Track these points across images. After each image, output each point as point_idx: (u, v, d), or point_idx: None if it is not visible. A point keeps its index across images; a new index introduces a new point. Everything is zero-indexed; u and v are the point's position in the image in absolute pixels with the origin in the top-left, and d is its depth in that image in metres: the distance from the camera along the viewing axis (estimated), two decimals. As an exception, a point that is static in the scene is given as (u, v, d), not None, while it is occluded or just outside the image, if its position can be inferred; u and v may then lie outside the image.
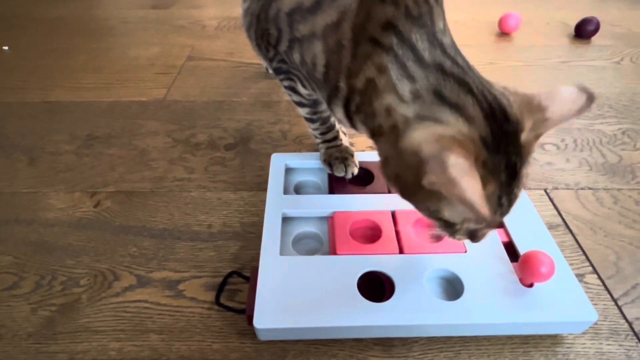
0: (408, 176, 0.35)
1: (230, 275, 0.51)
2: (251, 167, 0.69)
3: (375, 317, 0.42)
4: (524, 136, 0.34)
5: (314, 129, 0.60)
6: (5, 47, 1.08)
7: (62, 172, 0.68)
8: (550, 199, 0.63)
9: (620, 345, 0.45)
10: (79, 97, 0.88)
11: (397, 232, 0.51)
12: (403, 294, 0.44)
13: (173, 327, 0.46)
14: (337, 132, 0.61)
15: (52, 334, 0.46)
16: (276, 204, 0.54)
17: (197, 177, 0.67)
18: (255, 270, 0.47)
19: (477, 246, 0.48)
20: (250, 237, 0.57)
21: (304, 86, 0.51)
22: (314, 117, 0.58)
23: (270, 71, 0.59)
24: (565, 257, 0.50)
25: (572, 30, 1.15)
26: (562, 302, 0.44)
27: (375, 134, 0.40)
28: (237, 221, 0.59)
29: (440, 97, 0.35)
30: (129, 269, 0.53)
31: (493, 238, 0.50)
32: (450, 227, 0.39)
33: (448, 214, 0.37)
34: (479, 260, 0.48)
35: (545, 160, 0.71)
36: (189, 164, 0.70)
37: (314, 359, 0.43)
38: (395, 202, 0.53)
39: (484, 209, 0.29)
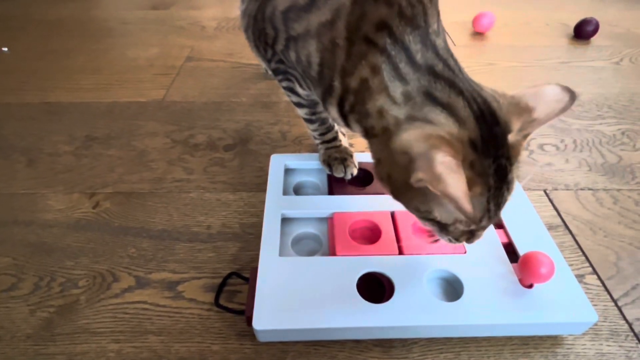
0: (399, 176, 0.36)
1: (229, 276, 0.51)
2: (250, 168, 0.69)
3: (374, 318, 0.42)
4: (512, 137, 0.35)
5: (313, 130, 0.60)
6: (5, 49, 1.08)
7: (60, 173, 0.68)
8: (550, 200, 0.63)
9: (620, 346, 0.45)
10: (78, 98, 0.88)
11: (396, 233, 0.51)
12: (403, 295, 0.44)
13: (172, 329, 0.46)
14: (336, 132, 0.61)
15: (51, 335, 0.46)
16: (275, 204, 0.54)
17: (196, 177, 0.67)
18: (254, 271, 0.47)
19: (476, 247, 0.48)
20: (249, 237, 0.57)
21: (302, 87, 0.51)
22: (313, 117, 0.58)
23: (270, 72, 0.59)
24: (565, 257, 0.50)
25: (571, 31, 1.15)
26: (562, 303, 0.44)
27: (368, 135, 0.41)
28: (236, 222, 0.59)
29: (431, 98, 0.35)
30: (127, 270, 0.53)
31: (493, 239, 0.50)
32: (443, 229, 0.39)
33: (439, 214, 0.37)
34: (479, 261, 0.48)
35: (545, 161, 0.71)
36: (188, 164, 0.70)
37: (314, 360, 0.43)
38: (394, 202, 0.53)
39: (467, 205, 0.30)
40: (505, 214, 0.52)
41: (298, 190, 0.62)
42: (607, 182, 0.66)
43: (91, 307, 0.48)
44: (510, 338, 0.45)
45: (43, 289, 0.50)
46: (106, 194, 0.64)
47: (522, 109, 0.35)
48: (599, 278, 0.52)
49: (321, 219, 0.55)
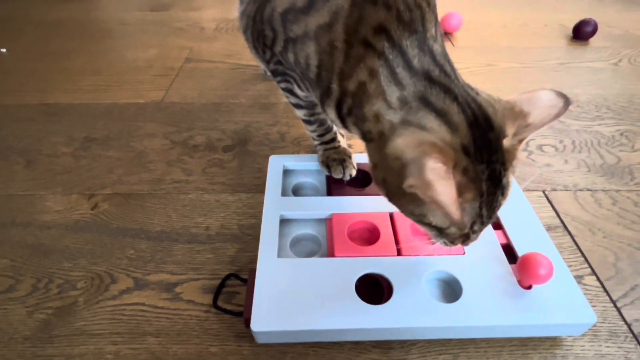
0: (393, 181, 0.36)
1: (227, 277, 0.51)
2: (249, 169, 0.69)
3: (373, 320, 0.42)
4: (507, 143, 0.35)
5: (312, 131, 0.60)
6: (3, 50, 1.08)
7: (59, 174, 0.68)
8: (549, 201, 0.63)
9: (619, 347, 0.45)
10: (76, 100, 0.88)
11: (395, 234, 0.51)
12: (401, 296, 0.44)
13: (170, 330, 0.46)
14: (335, 133, 0.61)
15: (49, 337, 0.46)
16: (274, 206, 0.54)
17: (195, 179, 0.67)
18: (252, 272, 0.47)
19: (475, 248, 0.48)
20: (248, 239, 0.57)
21: (300, 88, 0.51)
22: (312, 119, 0.57)
23: (268, 73, 0.59)
24: (564, 258, 0.50)
25: (570, 32, 1.15)
26: (561, 304, 0.43)
27: (366, 138, 0.41)
28: (235, 223, 0.59)
29: (426, 103, 0.36)
30: (126, 271, 0.52)
31: (491, 240, 0.50)
32: (438, 232, 0.39)
33: (433, 218, 0.37)
34: (477, 262, 0.47)
35: (544, 162, 0.71)
36: (186, 165, 0.70)
37: (312, 362, 0.43)
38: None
39: (455, 212, 0.31)
40: (504, 215, 0.53)
41: (297, 191, 0.62)
42: (605, 182, 0.66)
43: (89, 309, 0.48)
44: (509, 339, 0.45)
45: (41, 290, 0.50)
46: (105, 195, 0.64)
47: (517, 114, 0.36)
48: (598, 279, 0.52)
49: (320, 220, 0.55)
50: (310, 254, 0.52)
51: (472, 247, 0.48)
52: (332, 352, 0.44)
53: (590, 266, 0.53)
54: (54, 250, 0.55)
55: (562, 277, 0.46)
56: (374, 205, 0.54)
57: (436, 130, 0.34)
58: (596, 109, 0.84)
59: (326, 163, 0.60)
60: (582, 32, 1.11)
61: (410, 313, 0.43)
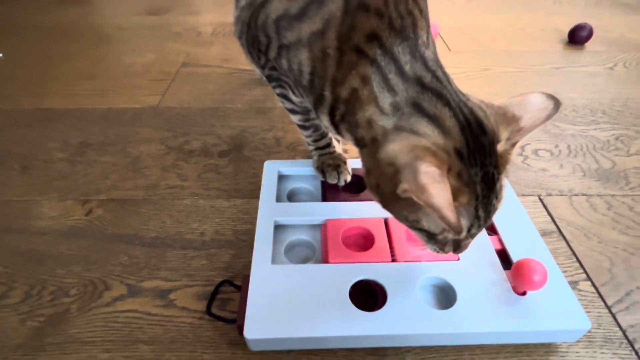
0: (386, 186, 0.36)
1: (221, 284, 0.51)
2: (245, 174, 0.69)
3: (367, 327, 0.42)
4: (501, 147, 0.36)
5: (307, 136, 0.60)
6: (0, 54, 1.08)
7: (54, 180, 0.68)
8: (544, 206, 0.63)
9: (614, 353, 0.45)
10: (73, 105, 0.88)
11: (389, 240, 0.51)
12: (395, 303, 0.44)
13: (163, 338, 0.46)
14: (330, 139, 0.61)
15: (41, 345, 0.45)
16: (268, 211, 0.54)
17: (190, 184, 0.67)
18: (246, 279, 0.47)
19: (469, 254, 0.48)
20: (243, 245, 0.56)
21: (295, 94, 0.51)
22: (307, 124, 0.57)
23: (264, 78, 0.60)
24: (559, 264, 0.50)
25: (565, 36, 1.15)
26: (555, 311, 0.43)
27: (359, 144, 0.41)
28: (230, 229, 0.59)
29: (418, 109, 0.36)
30: (119, 278, 0.52)
31: (486, 246, 0.50)
32: (432, 238, 0.39)
33: (426, 223, 0.37)
34: (472, 268, 0.47)
35: (539, 167, 0.71)
36: (182, 171, 0.70)
37: (306, 370, 0.43)
38: (388, 209, 0.53)
39: (450, 215, 0.30)
40: (499, 220, 0.53)
41: (292, 197, 0.62)
42: (601, 187, 0.66)
43: (82, 316, 0.48)
44: (504, 346, 0.45)
45: (34, 297, 0.50)
46: (100, 201, 0.64)
47: (509, 118, 0.36)
48: (593, 284, 0.52)
49: (314, 226, 0.55)
50: (304, 260, 0.52)
51: (466, 253, 0.47)
52: (326, 360, 0.44)
53: (585, 271, 0.53)
54: (47, 256, 0.55)
55: (557, 283, 0.46)
56: (368, 211, 0.54)
57: (429, 134, 0.35)
58: (591, 114, 0.84)
59: (321, 168, 0.60)
60: (577, 37, 1.11)
61: (405, 320, 0.43)
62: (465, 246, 0.41)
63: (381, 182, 0.37)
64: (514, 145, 0.36)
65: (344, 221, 0.53)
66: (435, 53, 0.39)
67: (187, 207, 0.63)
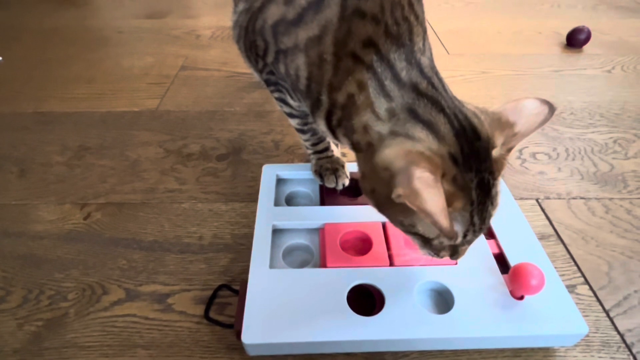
0: (382, 191, 0.36)
1: (219, 288, 0.51)
2: (243, 178, 0.69)
3: (365, 332, 0.42)
4: (496, 152, 0.36)
5: (305, 140, 0.60)
6: (-1, 58, 1.08)
7: (52, 183, 0.68)
8: (542, 209, 0.63)
9: (612, 357, 0.45)
10: (71, 108, 0.88)
11: (387, 244, 0.51)
12: (393, 308, 0.44)
13: (161, 342, 0.46)
14: (328, 143, 0.61)
15: (39, 350, 0.45)
16: (266, 216, 0.54)
17: (189, 188, 0.67)
18: (244, 283, 0.46)
19: (467, 258, 0.48)
20: (241, 249, 0.56)
21: (292, 98, 0.51)
22: (305, 128, 0.58)
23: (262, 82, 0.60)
24: (556, 267, 0.50)
25: (563, 39, 1.16)
26: (553, 315, 0.43)
27: (355, 149, 0.41)
28: (228, 233, 0.59)
29: (413, 115, 0.36)
30: (117, 282, 0.52)
31: (484, 250, 0.50)
32: (427, 243, 0.39)
33: (422, 228, 0.37)
34: (470, 273, 0.47)
35: (537, 170, 0.71)
36: (180, 174, 0.70)
37: (304, 374, 0.43)
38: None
39: (443, 221, 0.31)
40: (497, 224, 0.53)
41: (290, 201, 0.62)
42: (599, 190, 0.67)
43: (80, 321, 0.48)
44: (502, 350, 0.45)
45: (32, 302, 0.50)
46: (98, 205, 0.64)
47: (504, 124, 0.36)
48: (591, 288, 0.52)
49: (313, 230, 0.55)
50: (303, 264, 0.52)
51: (464, 258, 0.48)
52: (324, 364, 0.44)
53: (583, 275, 0.53)
54: (45, 260, 0.55)
55: (554, 287, 0.46)
56: (366, 215, 0.54)
57: (424, 140, 0.35)
58: (589, 117, 0.85)
59: (319, 172, 0.60)
60: (575, 40, 1.11)
61: (402, 324, 0.43)
62: (462, 252, 0.41)
63: (377, 186, 0.38)
64: (509, 150, 0.37)
65: (342, 225, 0.53)
66: (431, 59, 0.40)
67: (185, 210, 0.63)
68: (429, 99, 0.36)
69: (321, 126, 0.44)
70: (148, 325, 0.47)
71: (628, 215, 0.62)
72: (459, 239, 0.37)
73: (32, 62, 1.07)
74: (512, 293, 0.45)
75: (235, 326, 0.43)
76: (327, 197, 0.60)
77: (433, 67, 0.39)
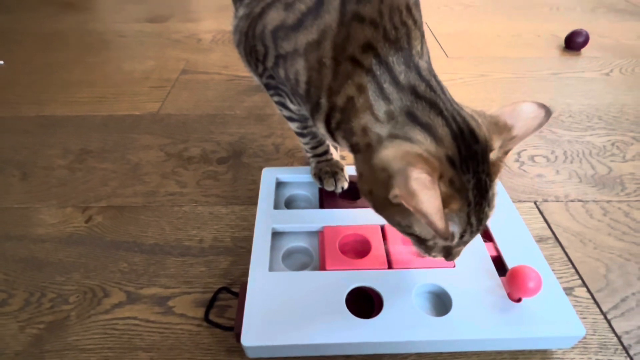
0: (379, 191, 0.37)
1: (219, 291, 0.51)
2: (243, 181, 0.69)
3: (363, 334, 0.42)
4: (493, 155, 0.36)
5: (305, 143, 0.60)
6: (0, 62, 1.09)
7: (54, 187, 0.69)
8: (540, 212, 0.63)
9: (609, 359, 0.45)
10: (73, 112, 0.88)
11: (386, 247, 0.52)
12: (392, 310, 0.44)
13: (162, 345, 0.46)
14: (328, 146, 0.61)
15: (40, 352, 0.46)
16: (266, 219, 0.54)
17: (189, 191, 0.67)
18: (244, 286, 0.47)
19: (465, 261, 0.48)
20: (241, 251, 0.57)
21: (292, 102, 0.51)
22: (304, 131, 0.58)
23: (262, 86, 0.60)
24: (554, 270, 0.50)
25: (562, 42, 1.16)
26: (550, 317, 0.44)
27: (354, 150, 0.42)
28: (228, 236, 0.59)
29: (412, 117, 0.36)
30: (119, 285, 0.53)
31: (481, 252, 0.50)
32: (423, 244, 0.40)
33: (418, 229, 0.38)
34: (468, 275, 0.48)
35: (535, 173, 0.71)
36: (181, 178, 0.70)
37: (303, 376, 0.43)
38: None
39: (438, 222, 0.31)
40: (495, 226, 0.54)
41: (290, 204, 0.62)
42: (597, 193, 0.67)
43: (81, 324, 0.48)
44: (500, 352, 0.45)
45: (33, 305, 0.50)
46: (99, 208, 0.64)
47: (501, 127, 0.37)
48: (589, 291, 0.52)
49: (312, 233, 0.55)
50: (302, 267, 0.53)
51: (462, 260, 0.48)
52: (323, 366, 0.44)
53: (580, 277, 0.54)
54: (47, 264, 0.55)
55: (552, 290, 0.46)
56: (365, 218, 0.55)
57: (422, 142, 0.35)
58: (588, 119, 0.85)
59: (318, 175, 0.61)
60: (574, 43, 1.12)
61: (401, 327, 0.43)
62: (457, 253, 0.41)
63: (374, 187, 0.38)
64: (506, 153, 0.37)
65: (341, 228, 0.54)
66: (429, 62, 0.40)
67: (185, 214, 0.63)
68: (427, 102, 0.37)
69: (320, 129, 0.44)
70: (149, 328, 0.48)
71: (626, 217, 0.63)
72: (456, 240, 0.38)
73: (34, 65, 1.07)
74: (509, 295, 0.46)
75: (235, 329, 0.44)
76: (327, 200, 0.60)
77: (431, 70, 0.39)
